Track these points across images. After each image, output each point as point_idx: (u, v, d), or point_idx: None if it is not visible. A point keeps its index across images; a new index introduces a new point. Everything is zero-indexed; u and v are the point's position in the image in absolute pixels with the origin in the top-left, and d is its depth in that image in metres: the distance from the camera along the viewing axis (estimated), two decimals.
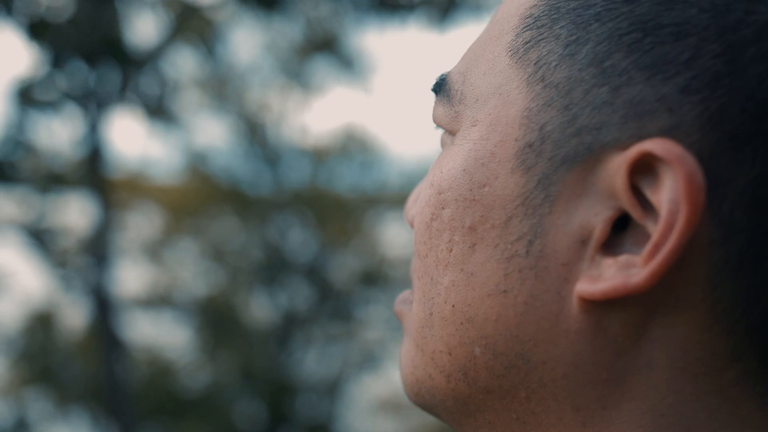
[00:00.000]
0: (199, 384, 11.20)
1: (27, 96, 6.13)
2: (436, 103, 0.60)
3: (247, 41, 12.05)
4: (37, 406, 10.23)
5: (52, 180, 7.94)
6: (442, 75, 0.61)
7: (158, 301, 11.57)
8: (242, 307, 11.57)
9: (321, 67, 9.49)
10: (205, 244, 11.95)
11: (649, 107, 0.49)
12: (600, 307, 0.50)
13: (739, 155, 0.48)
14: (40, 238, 8.23)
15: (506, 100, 0.54)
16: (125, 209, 11.11)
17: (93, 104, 7.07)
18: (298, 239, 11.71)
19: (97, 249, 7.60)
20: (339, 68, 8.69)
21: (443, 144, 0.61)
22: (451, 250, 0.55)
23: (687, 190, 0.47)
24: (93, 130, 7.24)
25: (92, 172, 7.58)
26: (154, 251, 11.85)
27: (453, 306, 0.55)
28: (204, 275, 11.89)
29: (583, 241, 0.50)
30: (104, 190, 7.62)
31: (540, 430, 0.53)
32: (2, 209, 8.25)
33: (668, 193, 0.48)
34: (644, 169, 0.49)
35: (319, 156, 12.22)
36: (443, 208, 0.56)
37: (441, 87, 0.60)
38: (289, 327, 11.42)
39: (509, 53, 0.55)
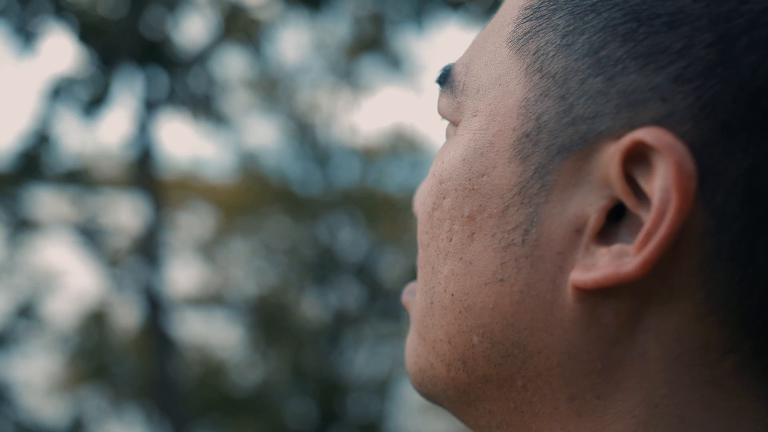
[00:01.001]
0: (250, 382, 11.25)
1: (74, 97, 6.21)
2: (440, 94, 0.61)
3: (296, 41, 12.10)
4: (92, 403, 10.36)
5: (103, 180, 8.04)
6: (446, 66, 0.62)
7: (210, 300, 11.64)
8: (293, 306, 11.60)
9: (370, 67, 9.51)
10: (256, 244, 12.01)
11: (642, 96, 0.49)
12: (594, 296, 0.50)
13: (732, 145, 0.47)
14: (92, 237, 8.34)
15: (505, 90, 0.54)
16: (177, 209, 11.20)
17: (142, 105, 7.15)
18: (348, 238, 11.73)
19: (149, 249, 7.67)
20: (388, 68, 8.69)
21: (447, 135, 0.61)
22: (451, 239, 0.56)
23: (677, 178, 0.47)
24: (143, 132, 7.32)
25: (143, 172, 7.66)
26: (206, 250, 11.94)
27: (452, 295, 0.56)
28: (255, 274, 11.96)
29: (578, 231, 0.50)
30: (155, 190, 7.69)
31: (537, 419, 0.54)
32: (56, 209, 8.37)
33: (660, 182, 0.48)
34: (638, 158, 0.49)
35: (368, 155, 12.22)
36: (444, 198, 0.57)
37: (445, 78, 0.60)
38: (340, 326, 11.44)
39: (509, 44, 0.56)
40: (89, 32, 6.10)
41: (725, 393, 0.50)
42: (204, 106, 7.10)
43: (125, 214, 8.87)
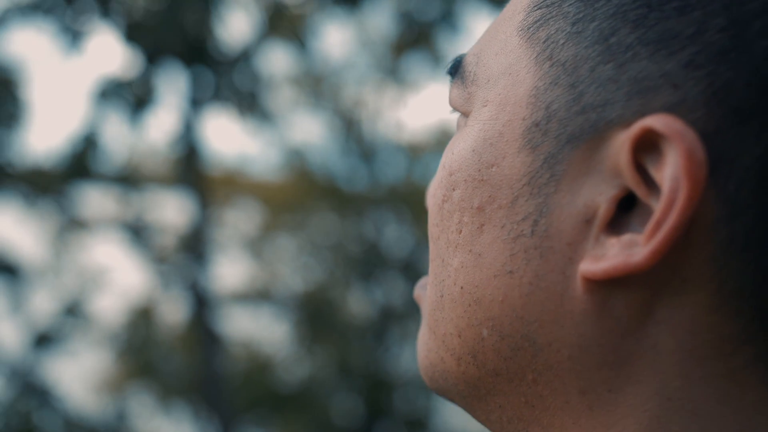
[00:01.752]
0: (297, 379, 11.30)
1: (121, 97, 6.25)
2: (452, 85, 0.60)
3: (341, 38, 12.12)
4: (140, 399, 10.46)
5: (149, 178, 8.10)
6: (457, 57, 0.61)
7: (256, 296, 11.71)
8: (339, 302, 11.63)
9: (416, 63, 9.49)
10: (302, 240, 12.05)
11: (653, 83, 0.48)
12: (604, 287, 0.49)
13: (745, 131, 0.46)
14: (139, 235, 8.41)
15: (515, 79, 0.54)
16: (224, 206, 11.27)
17: (188, 103, 7.19)
18: (393, 234, 11.73)
19: (196, 245, 7.72)
20: (433, 64, 8.67)
21: (458, 126, 0.60)
22: (461, 231, 0.55)
23: (687, 166, 0.46)
24: (189, 129, 7.36)
25: (189, 169, 7.71)
26: (253, 247, 12.00)
27: (462, 287, 0.55)
28: (301, 270, 12.00)
29: (588, 221, 0.49)
30: (201, 187, 7.74)
31: (548, 413, 0.53)
32: (104, 207, 8.45)
33: (670, 170, 0.46)
34: (648, 146, 0.48)
35: (414, 152, 12.21)
36: (454, 189, 0.56)
37: (456, 69, 0.60)
38: (386, 322, 11.44)
39: (519, 33, 0.55)
40: (135, 31, 6.14)
41: (740, 386, 0.48)
42: (249, 103, 7.12)
43: (172, 211, 8.94)
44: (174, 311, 9.91)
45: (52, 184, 7.14)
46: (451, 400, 0.60)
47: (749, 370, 0.48)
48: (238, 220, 11.92)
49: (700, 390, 0.48)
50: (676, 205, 0.46)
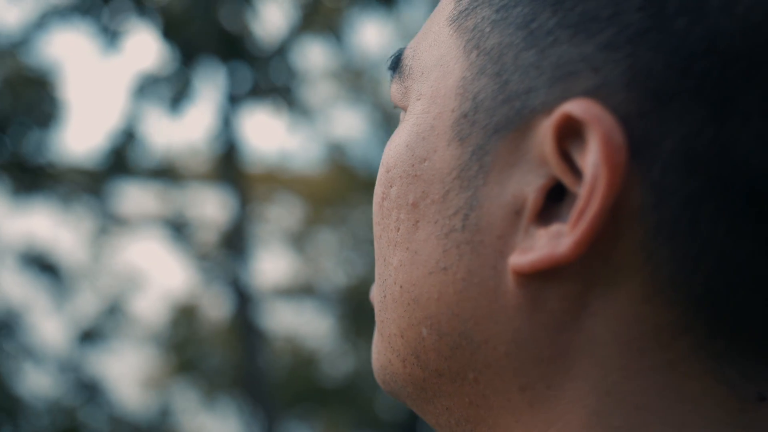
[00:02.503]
0: (341, 373, 11.33)
1: (159, 93, 6.28)
2: (392, 80, 0.59)
3: (379, 31, 12.09)
4: (184, 396, 10.53)
5: (189, 175, 8.14)
6: (397, 51, 0.60)
7: (299, 291, 11.76)
8: None
9: None
10: (344, 234, 12.07)
11: (573, 68, 0.46)
12: (535, 280, 0.48)
13: (667, 113, 0.44)
14: (180, 232, 8.46)
15: (445, 71, 0.53)
16: (265, 201, 11.31)
17: (226, 99, 7.21)
18: None
19: (237, 241, 7.75)
20: None
21: (400, 122, 0.59)
22: (399, 228, 0.54)
23: (605, 151, 0.44)
24: (227, 125, 7.38)
25: (229, 166, 7.74)
26: (295, 242, 12.04)
27: (401, 286, 0.54)
28: (344, 265, 12.02)
29: (517, 212, 0.48)
30: (242, 183, 7.77)
31: (492, 413, 0.51)
32: (144, 205, 8.51)
33: (591, 157, 0.45)
34: (571, 133, 0.46)
35: None
36: (391, 186, 0.55)
37: (396, 64, 0.59)
38: None
39: (449, 23, 0.54)
40: (171, 29, 6.17)
41: (682, 377, 0.47)
42: (287, 98, 7.13)
43: (212, 207, 8.98)
44: (216, 307, 9.97)
45: (92, 182, 7.20)
46: (404, 402, 0.59)
47: (690, 360, 0.46)
48: (280, 216, 11.97)
49: (639, 383, 0.47)
50: (597, 193, 0.44)
